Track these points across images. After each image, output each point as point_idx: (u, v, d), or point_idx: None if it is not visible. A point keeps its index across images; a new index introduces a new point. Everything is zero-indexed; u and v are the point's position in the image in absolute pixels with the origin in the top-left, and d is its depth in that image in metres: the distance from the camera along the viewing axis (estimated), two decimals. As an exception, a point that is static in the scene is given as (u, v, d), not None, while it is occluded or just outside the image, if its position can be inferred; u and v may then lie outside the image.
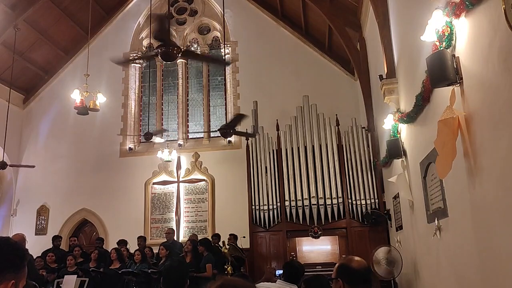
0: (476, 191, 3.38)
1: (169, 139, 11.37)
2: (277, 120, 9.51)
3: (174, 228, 10.81)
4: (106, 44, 12.19)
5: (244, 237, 9.10)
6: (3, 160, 9.81)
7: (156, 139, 10.78)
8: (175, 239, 10.17)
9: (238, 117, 7.98)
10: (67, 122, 11.96)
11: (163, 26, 4.85)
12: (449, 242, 4.28)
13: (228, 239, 8.81)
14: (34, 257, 7.59)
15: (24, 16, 10.58)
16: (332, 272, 2.40)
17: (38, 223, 11.66)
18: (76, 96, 8.39)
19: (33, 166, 10.97)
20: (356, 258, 2.37)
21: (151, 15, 7.32)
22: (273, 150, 9.33)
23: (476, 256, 3.52)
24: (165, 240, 9.22)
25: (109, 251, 8.08)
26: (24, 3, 10.52)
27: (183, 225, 11.09)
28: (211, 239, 8.62)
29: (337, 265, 2.38)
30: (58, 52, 12.41)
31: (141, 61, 12.58)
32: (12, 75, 10.70)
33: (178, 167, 11.42)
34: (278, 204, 8.96)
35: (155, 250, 8.30)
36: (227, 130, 7.92)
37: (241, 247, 8.61)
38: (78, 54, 12.51)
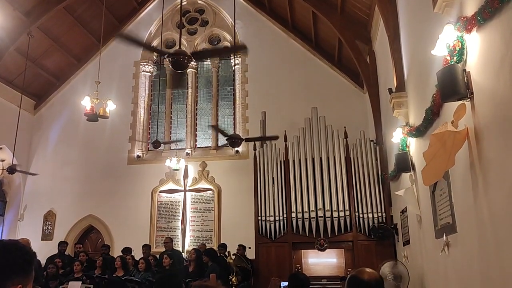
0: (486, 206, 3.34)
1: (177, 148, 11.39)
2: (285, 131, 9.49)
3: (180, 237, 10.79)
4: (117, 52, 12.29)
5: (249, 247, 9.06)
6: (12, 164, 9.89)
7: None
8: (180, 248, 10.16)
9: (268, 137, 8.59)
10: (76, 129, 12.05)
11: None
12: (458, 258, 4.22)
13: (237, 249, 8.79)
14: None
15: (38, 23, 10.75)
16: (337, 286, 2.36)
17: (44, 228, 11.69)
18: (86, 103, 8.46)
19: (37, 174, 10.99)
20: (368, 269, 2.23)
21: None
22: (280, 161, 9.31)
23: (485, 273, 3.46)
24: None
25: (115, 258, 8.09)
26: (39, 10, 10.68)
27: (188, 234, 11.06)
28: (216, 249, 8.60)
29: (348, 277, 2.29)
30: (70, 59, 12.56)
31: (151, 68, 12.68)
32: (24, 81, 10.84)
33: (185, 176, 11.43)
34: (285, 215, 8.90)
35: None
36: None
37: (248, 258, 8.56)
38: (89, 61, 12.66)
